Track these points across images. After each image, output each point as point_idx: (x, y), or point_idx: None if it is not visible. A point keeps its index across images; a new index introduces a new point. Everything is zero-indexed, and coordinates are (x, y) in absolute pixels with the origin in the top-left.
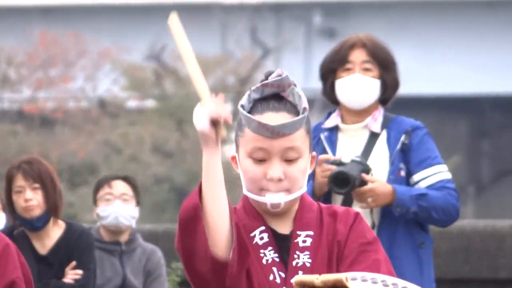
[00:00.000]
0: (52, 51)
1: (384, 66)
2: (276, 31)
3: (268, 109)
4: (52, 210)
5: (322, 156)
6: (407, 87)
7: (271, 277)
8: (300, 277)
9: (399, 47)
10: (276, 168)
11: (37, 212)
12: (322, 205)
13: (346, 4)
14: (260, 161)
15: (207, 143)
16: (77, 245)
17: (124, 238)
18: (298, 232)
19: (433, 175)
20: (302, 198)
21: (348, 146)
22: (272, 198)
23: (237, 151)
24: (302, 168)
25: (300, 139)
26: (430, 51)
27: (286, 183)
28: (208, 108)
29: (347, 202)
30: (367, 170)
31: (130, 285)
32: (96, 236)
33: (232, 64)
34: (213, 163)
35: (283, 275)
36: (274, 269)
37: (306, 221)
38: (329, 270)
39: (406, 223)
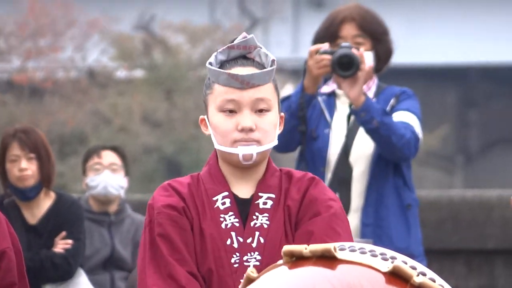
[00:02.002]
0: (41, 21)
1: (376, 38)
2: (264, 1)
3: (237, 65)
4: (45, 181)
5: (314, 47)
6: (396, 57)
7: (228, 242)
8: (288, 246)
9: (387, 17)
10: (247, 118)
11: (31, 182)
12: (283, 169)
13: None
14: (231, 112)
15: None
16: (67, 215)
17: (113, 208)
18: (260, 194)
19: (403, 117)
20: (268, 163)
21: (344, 112)
22: (244, 150)
23: (206, 111)
24: (273, 121)
25: (269, 92)
26: (418, 21)
27: (257, 134)
28: None
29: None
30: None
31: (119, 256)
32: (85, 207)
33: (220, 34)
34: None
35: (241, 239)
36: (233, 233)
37: (269, 184)
38: (285, 234)
39: (394, 185)
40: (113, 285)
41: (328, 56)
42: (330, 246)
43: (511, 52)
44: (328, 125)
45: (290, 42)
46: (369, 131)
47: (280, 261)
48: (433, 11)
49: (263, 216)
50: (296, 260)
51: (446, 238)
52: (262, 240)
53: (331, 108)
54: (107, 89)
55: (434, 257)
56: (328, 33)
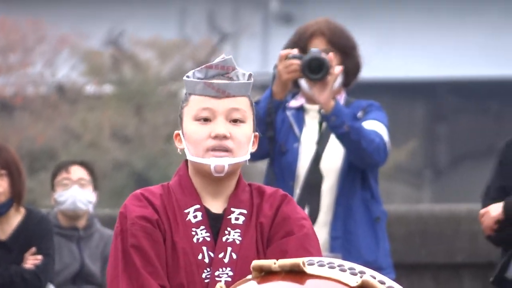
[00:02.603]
0: (11, 37)
1: (345, 52)
2: (233, 16)
3: (213, 79)
4: (16, 197)
5: (284, 52)
6: (364, 72)
7: (199, 256)
8: (258, 261)
9: (356, 33)
10: (221, 125)
11: (1, 199)
12: (253, 185)
13: None
14: (206, 121)
15: None
16: (37, 231)
17: (81, 223)
18: (232, 209)
19: (372, 125)
20: (239, 178)
21: (313, 126)
22: (216, 161)
23: (181, 125)
24: (246, 133)
25: (245, 105)
26: (387, 36)
27: (231, 143)
28: None
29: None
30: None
31: (88, 271)
32: (54, 222)
33: (189, 49)
34: None
35: (212, 254)
36: (204, 248)
37: (240, 199)
38: (257, 250)
39: (363, 198)
40: None
41: (297, 61)
42: (299, 261)
43: (478, 67)
44: (297, 140)
45: (259, 57)
46: (340, 136)
47: (249, 276)
48: (402, 27)
49: (235, 232)
50: (265, 275)
51: (414, 252)
52: (234, 256)
53: (300, 122)
54: (76, 104)
55: (402, 271)
56: (297, 47)
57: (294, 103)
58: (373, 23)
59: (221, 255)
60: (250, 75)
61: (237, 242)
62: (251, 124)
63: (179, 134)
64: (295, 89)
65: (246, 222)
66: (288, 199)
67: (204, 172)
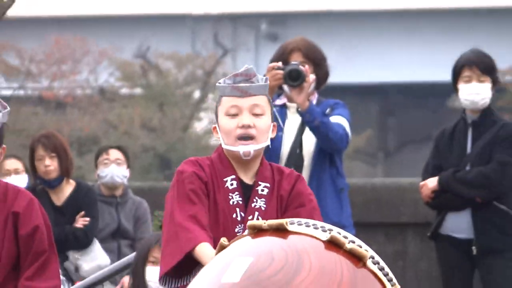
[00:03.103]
0: (64, 51)
1: (317, 63)
2: (232, 36)
3: (240, 83)
4: (64, 173)
5: (271, 64)
6: (332, 78)
7: (234, 215)
8: (252, 222)
9: (325, 47)
10: (246, 118)
11: (54, 175)
12: (273, 165)
13: (285, 14)
14: (234, 116)
15: None
16: (85, 199)
17: (118, 192)
18: (259, 183)
19: (337, 119)
20: (262, 159)
21: (293, 119)
22: (244, 148)
23: (217, 120)
24: (266, 123)
25: (263, 102)
26: (349, 50)
27: (254, 131)
28: None
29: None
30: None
31: (124, 228)
32: (97, 192)
33: (200, 60)
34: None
35: (243, 214)
36: (237, 209)
37: (265, 175)
38: (277, 215)
39: (330, 174)
40: (119, 251)
41: (281, 71)
42: (283, 221)
43: (419, 73)
44: (281, 130)
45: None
46: (312, 129)
47: (246, 232)
48: (361, 42)
49: (261, 200)
50: (257, 232)
51: (370, 214)
52: (260, 218)
53: (283, 116)
54: (114, 103)
55: (360, 229)
56: (280, 60)
57: (278, 101)
58: (338, 40)
59: (250, 217)
60: (266, 79)
61: (262, 208)
62: (269, 116)
63: (215, 127)
64: (280, 91)
65: (269, 193)
66: (301, 178)
67: (235, 156)
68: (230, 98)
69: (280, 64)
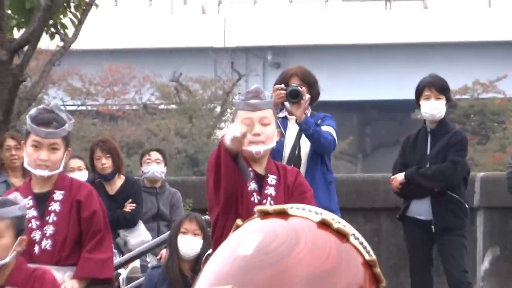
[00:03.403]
0: (116, 76)
1: (310, 85)
2: (245, 64)
3: (251, 100)
4: (117, 169)
5: (276, 86)
6: (322, 97)
7: (252, 199)
8: (260, 207)
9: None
10: (257, 127)
11: (108, 171)
12: (276, 162)
13: (286, 47)
14: (248, 126)
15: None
16: (132, 189)
17: (158, 185)
18: (269, 175)
19: (327, 128)
20: (269, 159)
21: (292, 128)
22: (255, 148)
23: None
24: (272, 130)
25: (269, 114)
26: (335, 75)
27: (263, 137)
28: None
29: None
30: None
31: (162, 213)
32: (142, 184)
33: (220, 83)
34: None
35: (259, 197)
36: (254, 194)
37: (272, 169)
38: (285, 201)
39: (321, 170)
40: (159, 230)
41: (283, 91)
42: (285, 206)
43: (389, 93)
44: (283, 136)
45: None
46: (307, 136)
47: (255, 215)
48: (344, 68)
49: (271, 188)
50: (264, 214)
51: (352, 201)
52: (272, 202)
53: (285, 126)
54: (154, 116)
55: (344, 213)
56: (283, 82)
57: (281, 114)
58: (327, 67)
59: (264, 201)
60: (271, 96)
61: (273, 194)
62: (274, 124)
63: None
64: (282, 107)
65: (277, 183)
66: (300, 173)
67: (250, 154)
68: (244, 111)
69: (283, 85)
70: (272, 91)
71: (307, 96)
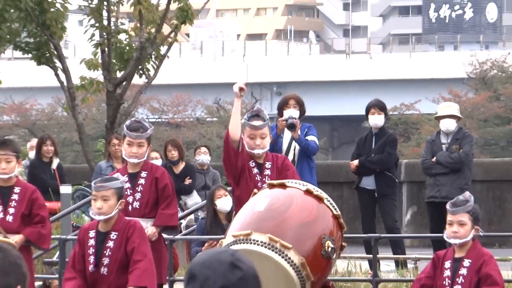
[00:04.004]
0: (179, 100)
1: (301, 105)
2: (260, 92)
3: (254, 119)
4: (180, 158)
5: (280, 119)
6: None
7: (256, 178)
8: (269, 181)
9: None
10: (258, 141)
11: (175, 158)
12: (273, 154)
13: (285, 83)
14: (252, 138)
15: (237, 96)
16: (190, 170)
17: (205, 167)
18: (266, 162)
19: (312, 138)
20: (267, 152)
21: (287, 134)
22: (257, 151)
23: (243, 136)
24: (267, 141)
25: (266, 130)
26: (315, 99)
27: (261, 146)
28: (237, 83)
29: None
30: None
31: (207, 185)
32: (195, 167)
33: (244, 104)
34: (238, 105)
35: (260, 177)
36: (257, 175)
37: (268, 158)
38: (277, 178)
39: (307, 160)
40: (205, 196)
41: (284, 122)
42: (283, 181)
43: (349, 110)
44: (281, 137)
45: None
46: (300, 145)
47: (265, 185)
48: (321, 95)
49: (268, 170)
50: (271, 186)
51: (325, 177)
52: (268, 179)
53: (283, 133)
54: (203, 125)
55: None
56: (284, 103)
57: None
58: (310, 93)
59: (263, 179)
60: (269, 118)
61: (269, 174)
62: (269, 135)
63: (242, 138)
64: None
65: (271, 167)
66: (286, 158)
67: (253, 154)
68: (250, 129)
69: (285, 117)
70: (276, 120)
71: (298, 123)
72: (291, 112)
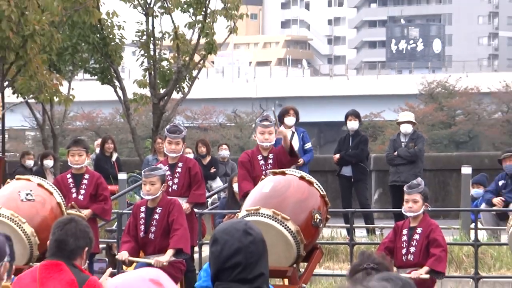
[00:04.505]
0: (206, 111)
1: (296, 114)
2: (266, 104)
3: (264, 121)
4: (207, 152)
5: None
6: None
7: (262, 167)
8: (273, 170)
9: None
10: (266, 135)
11: (204, 153)
12: (274, 148)
13: (284, 97)
14: (262, 133)
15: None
16: (214, 162)
17: (226, 160)
18: (270, 155)
19: (308, 146)
20: (272, 147)
21: (295, 140)
22: (265, 144)
23: (255, 133)
24: (273, 136)
25: (272, 129)
26: (308, 109)
27: (269, 140)
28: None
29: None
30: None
31: (227, 173)
32: (219, 160)
33: (254, 113)
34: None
35: (265, 166)
36: (262, 165)
37: (271, 151)
38: (277, 167)
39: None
40: (226, 181)
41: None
42: (283, 170)
43: (332, 117)
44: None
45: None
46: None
47: (269, 172)
48: (312, 106)
49: (271, 160)
50: (275, 173)
51: (314, 167)
52: (271, 167)
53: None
54: (225, 128)
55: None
56: (284, 113)
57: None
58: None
59: (267, 167)
60: (274, 122)
61: (271, 163)
62: (274, 132)
63: (255, 136)
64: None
65: (273, 158)
66: (283, 147)
67: (262, 146)
68: (260, 127)
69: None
70: (277, 125)
71: (293, 122)
72: (290, 121)
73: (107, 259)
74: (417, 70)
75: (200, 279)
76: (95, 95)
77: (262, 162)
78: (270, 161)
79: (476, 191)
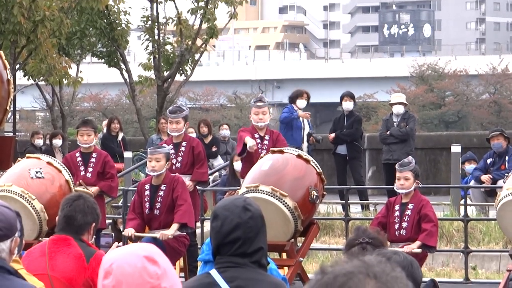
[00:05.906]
0: (207, 92)
1: (308, 99)
2: (265, 86)
3: (258, 102)
4: (209, 132)
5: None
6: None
7: (259, 146)
8: (272, 148)
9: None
10: (261, 115)
11: (205, 133)
12: (271, 130)
13: (282, 79)
14: (256, 114)
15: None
16: (215, 141)
17: (226, 139)
18: (266, 135)
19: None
20: (267, 128)
21: (306, 127)
22: (260, 124)
23: (250, 114)
24: (267, 117)
25: (266, 109)
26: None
27: (264, 119)
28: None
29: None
30: None
31: (228, 152)
32: (219, 139)
33: (254, 94)
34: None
35: (261, 146)
36: (259, 144)
37: (267, 132)
38: (274, 146)
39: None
40: (227, 159)
41: (308, 115)
42: (281, 148)
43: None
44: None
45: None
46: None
47: (270, 152)
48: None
49: (267, 141)
50: (273, 152)
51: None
52: (266, 147)
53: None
54: (225, 109)
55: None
56: (298, 94)
57: (296, 113)
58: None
59: (263, 147)
60: (267, 101)
61: (268, 143)
62: (269, 113)
63: (251, 116)
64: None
65: (269, 139)
66: (280, 134)
67: (257, 126)
68: (254, 108)
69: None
70: (304, 114)
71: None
72: (302, 103)
73: (113, 234)
74: (408, 54)
75: (202, 252)
76: (102, 78)
77: (258, 140)
78: (266, 141)
79: (471, 167)
